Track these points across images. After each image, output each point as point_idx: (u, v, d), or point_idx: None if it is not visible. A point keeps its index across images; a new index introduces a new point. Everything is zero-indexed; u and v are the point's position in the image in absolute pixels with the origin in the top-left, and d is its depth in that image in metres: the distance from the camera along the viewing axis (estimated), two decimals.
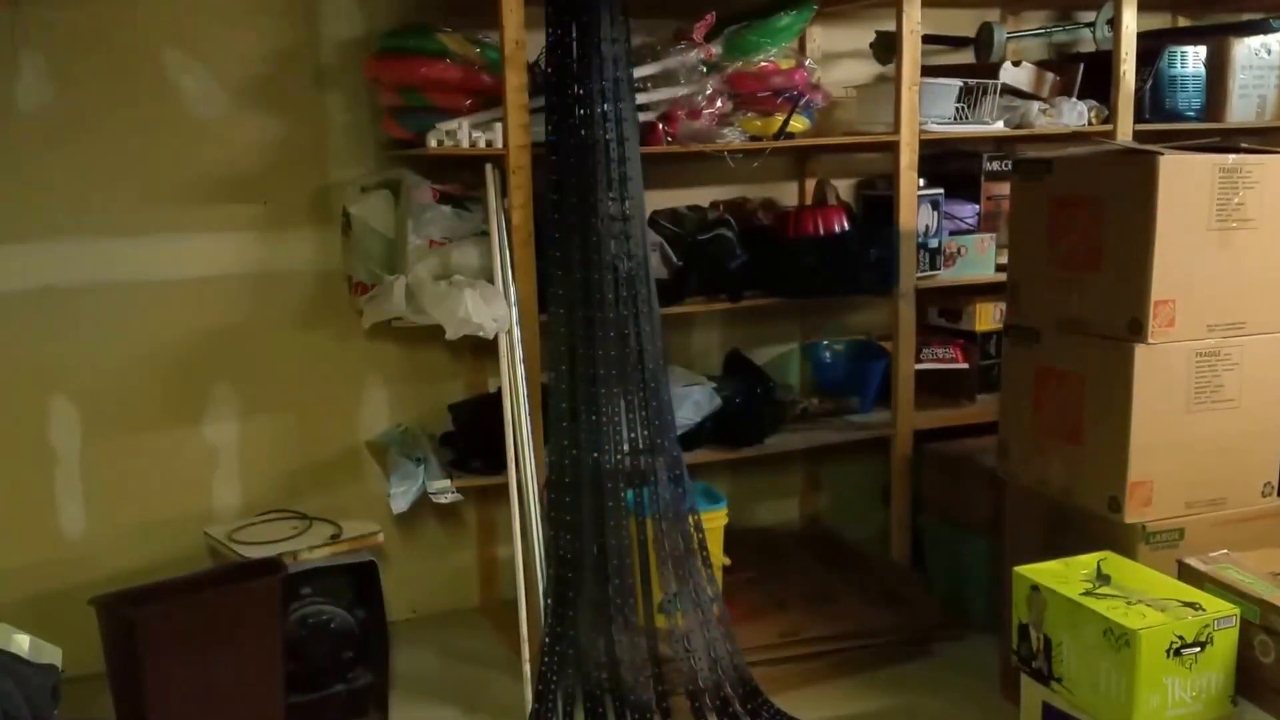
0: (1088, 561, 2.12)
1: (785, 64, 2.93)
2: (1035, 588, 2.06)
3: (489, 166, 2.71)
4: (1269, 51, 3.44)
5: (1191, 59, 3.38)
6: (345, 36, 2.93)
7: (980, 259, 3.28)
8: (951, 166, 3.38)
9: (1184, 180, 2.21)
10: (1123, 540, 2.26)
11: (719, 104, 2.86)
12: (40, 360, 2.78)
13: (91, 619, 2.31)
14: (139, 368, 2.87)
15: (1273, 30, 3.48)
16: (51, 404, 2.81)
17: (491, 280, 2.68)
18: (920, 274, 3.16)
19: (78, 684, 2.39)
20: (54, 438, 2.82)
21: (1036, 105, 3.23)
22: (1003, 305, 2.64)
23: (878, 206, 3.29)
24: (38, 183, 2.73)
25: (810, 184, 3.44)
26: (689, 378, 3.08)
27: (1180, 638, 1.87)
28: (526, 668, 2.63)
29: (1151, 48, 3.33)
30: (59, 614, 2.55)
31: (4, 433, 2.78)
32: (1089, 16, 3.58)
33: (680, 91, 2.81)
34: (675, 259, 2.95)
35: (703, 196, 3.28)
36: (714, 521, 2.82)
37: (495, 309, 2.62)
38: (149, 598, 2.29)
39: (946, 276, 3.24)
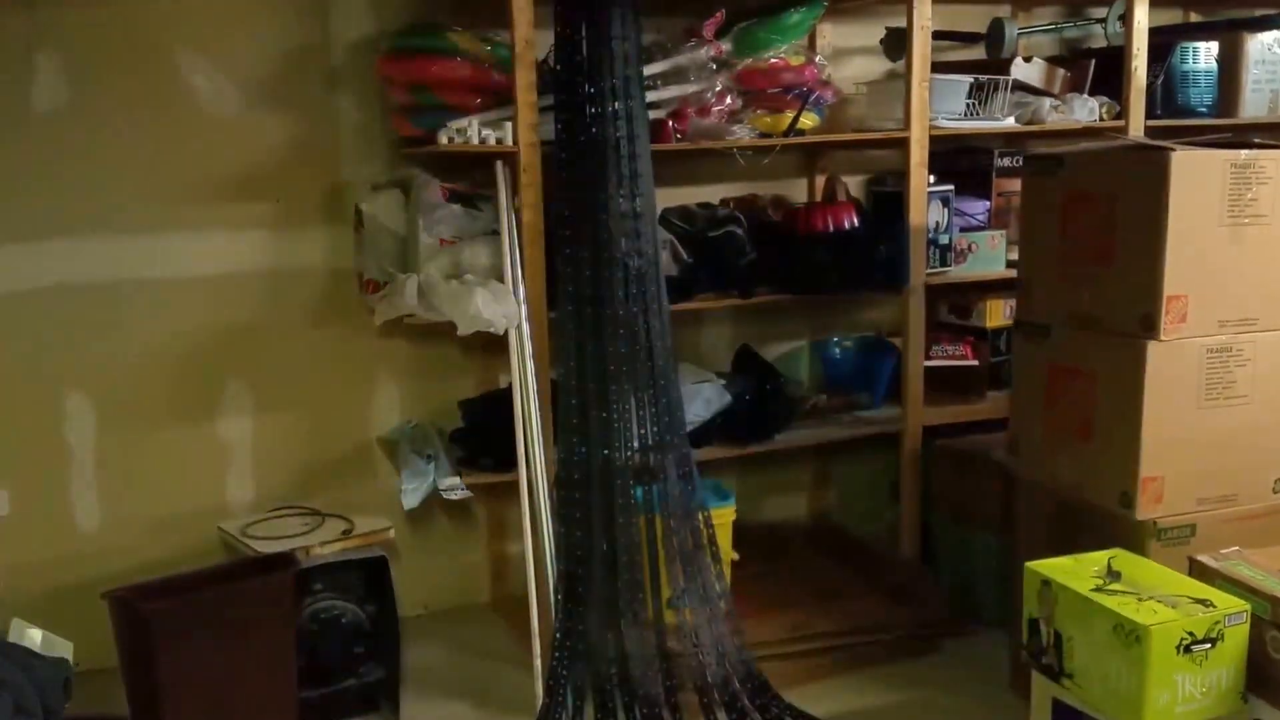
0: (1098, 558, 2.12)
1: (795, 60, 2.93)
2: (1046, 583, 2.06)
3: (499, 164, 2.71)
4: None
5: (1204, 54, 3.37)
6: (357, 36, 2.94)
7: (991, 255, 3.27)
8: (962, 163, 3.37)
9: (1196, 176, 2.20)
10: (1134, 536, 2.26)
11: (729, 101, 2.87)
12: (55, 357, 2.80)
13: (104, 613, 2.33)
14: (153, 364, 2.88)
15: None
16: (67, 400, 2.83)
17: (502, 278, 2.69)
18: (930, 270, 3.16)
19: (90, 678, 2.41)
20: (69, 433, 2.84)
21: (1048, 101, 3.22)
22: (1013, 302, 2.63)
23: (888, 203, 3.28)
24: (52, 182, 2.75)
25: (820, 181, 3.44)
26: (699, 374, 3.08)
27: (1191, 634, 1.86)
28: (537, 663, 2.64)
29: (1163, 43, 3.32)
30: (72, 608, 2.56)
31: (20, 428, 2.80)
32: (1100, 12, 3.57)
33: (690, 89, 2.82)
34: (685, 256, 2.95)
35: (713, 194, 3.28)
36: (723, 518, 2.83)
37: (505, 306, 2.63)
38: (162, 592, 2.30)
39: (957, 273, 3.24)
